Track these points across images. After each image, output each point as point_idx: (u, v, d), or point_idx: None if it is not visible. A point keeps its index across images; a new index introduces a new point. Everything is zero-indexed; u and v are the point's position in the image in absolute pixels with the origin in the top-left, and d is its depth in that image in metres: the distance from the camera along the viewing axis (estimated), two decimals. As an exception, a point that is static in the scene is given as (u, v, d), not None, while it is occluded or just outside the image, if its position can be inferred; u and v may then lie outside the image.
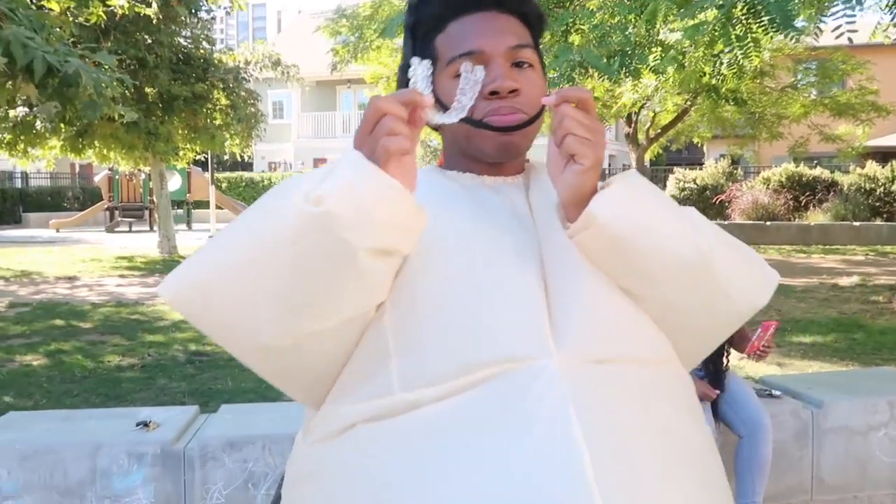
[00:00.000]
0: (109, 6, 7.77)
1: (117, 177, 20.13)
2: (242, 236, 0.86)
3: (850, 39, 3.34)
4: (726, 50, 3.88)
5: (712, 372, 2.97)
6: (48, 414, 3.23)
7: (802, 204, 17.33)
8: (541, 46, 1.14)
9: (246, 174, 28.33)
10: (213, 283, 0.85)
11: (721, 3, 3.26)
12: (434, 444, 0.82)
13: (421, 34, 1.07)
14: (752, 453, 2.84)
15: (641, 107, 10.87)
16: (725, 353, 3.03)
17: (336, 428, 0.89)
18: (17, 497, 2.57)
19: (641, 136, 15.52)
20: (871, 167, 17.35)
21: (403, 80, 1.09)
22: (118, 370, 5.17)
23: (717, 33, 3.57)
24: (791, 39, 3.33)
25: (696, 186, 18.60)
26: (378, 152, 0.81)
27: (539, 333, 0.87)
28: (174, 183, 19.45)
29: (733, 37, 3.46)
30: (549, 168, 0.96)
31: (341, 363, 0.93)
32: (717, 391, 2.91)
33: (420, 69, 0.86)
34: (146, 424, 2.76)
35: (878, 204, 16.87)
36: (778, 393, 3.27)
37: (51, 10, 6.67)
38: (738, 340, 3.09)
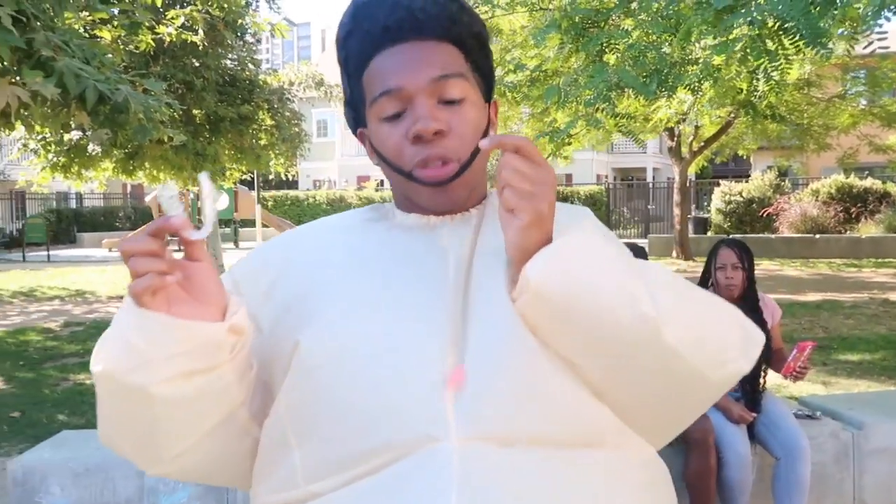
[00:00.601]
0: (158, 34, 8.04)
1: (167, 196, 20.60)
2: None
3: (881, 56, 3.31)
4: (764, 68, 3.87)
5: (749, 392, 2.96)
6: (99, 432, 3.35)
7: (853, 216, 16.96)
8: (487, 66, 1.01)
9: (291, 192, 28.77)
10: (103, 438, 0.92)
11: (750, 19, 3.26)
12: None
13: (352, 69, 0.98)
14: (790, 476, 2.82)
15: (678, 122, 10.80)
16: (762, 374, 3.01)
17: None
18: (69, 513, 2.68)
19: (685, 150, 15.37)
20: (925, 177, 16.93)
21: (350, 115, 1.04)
22: (166, 388, 5.31)
23: (748, 49, 3.57)
24: (819, 56, 3.31)
25: (742, 199, 18.34)
26: (133, 296, 0.78)
27: (438, 412, 0.81)
28: (221, 202, 19.86)
29: (764, 52, 3.45)
30: (500, 219, 0.86)
31: (247, 455, 0.94)
32: (754, 414, 2.90)
33: (165, 192, 0.78)
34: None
35: (932, 215, 16.44)
36: (818, 414, 3.23)
37: (102, 38, 6.93)
38: (774, 361, 3.08)
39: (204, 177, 0.82)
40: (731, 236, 12.13)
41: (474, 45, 0.97)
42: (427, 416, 0.81)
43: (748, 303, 3.07)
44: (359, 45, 0.96)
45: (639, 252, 3.27)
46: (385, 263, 0.94)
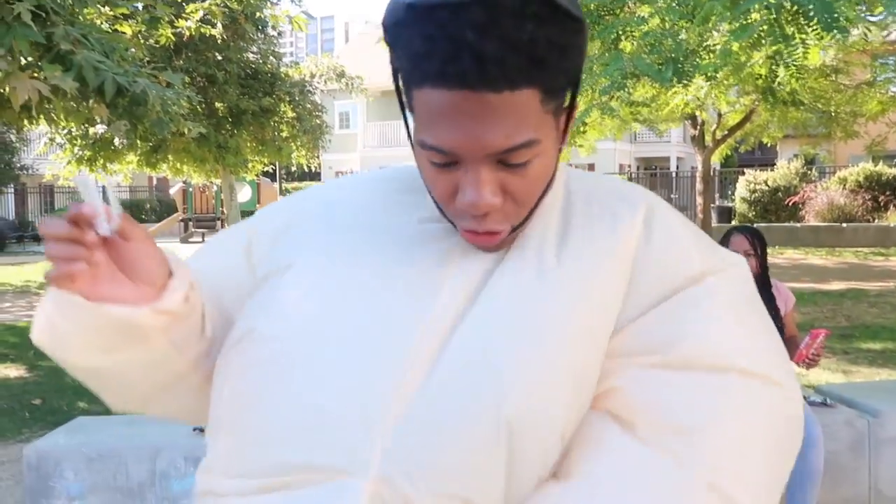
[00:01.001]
0: (177, 28, 8.11)
1: (191, 189, 20.84)
2: None
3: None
4: (781, 53, 3.82)
5: (761, 381, 2.93)
6: (113, 419, 3.39)
7: (882, 204, 16.68)
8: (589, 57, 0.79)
9: (314, 184, 28.88)
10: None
11: (766, 4, 3.22)
12: None
13: (403, 72, 0.76)
14: (802, 464, 2.79)
15: (696, 107, 10.69)
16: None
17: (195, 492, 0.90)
18: (82, 498, 2.73)
19: (708, 138, 15.20)
20: (955, 165, 16.61)
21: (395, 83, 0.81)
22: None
23: (763, 32, 3.52)
24: (836, 41, 3.26)
25: (767, 188, 18.11)
26: (49, 282, 0.75)
27: (361, 446, 0.73)
28: (244, 194, 20.03)
29: (781, 37, 3.40)
30: None
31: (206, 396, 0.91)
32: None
33: (79, 180, 0.75)
34: (202, 430, 2.88)
35: (962, 203, 16.13)
36: (832, 402, 3.19)
37: (124, 32, 7.01)
38: (788, 348, 3.05)
39: (81, 177, 0.76)
40: (754, 225, 12.00)
41: (562, 80, 0.74)
42: (348, 445, 0.73)
43: (760, 289, 3.04)
44: (409, 53, 0.72)
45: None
46: (367, 255, 0.84)
